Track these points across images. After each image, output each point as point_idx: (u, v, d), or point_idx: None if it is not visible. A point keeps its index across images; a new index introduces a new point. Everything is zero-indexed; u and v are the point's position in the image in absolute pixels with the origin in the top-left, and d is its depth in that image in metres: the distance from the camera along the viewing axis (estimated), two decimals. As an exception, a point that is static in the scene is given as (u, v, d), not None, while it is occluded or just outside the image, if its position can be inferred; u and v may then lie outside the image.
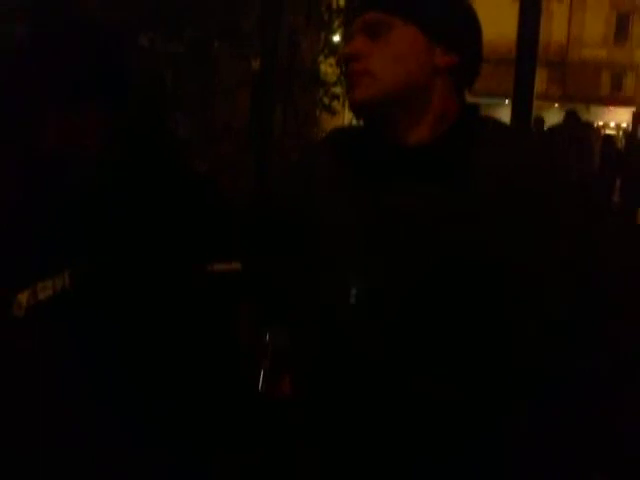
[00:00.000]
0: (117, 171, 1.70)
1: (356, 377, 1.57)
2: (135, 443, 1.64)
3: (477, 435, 1.55)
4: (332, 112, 9.80)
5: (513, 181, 1.54)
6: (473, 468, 1.55)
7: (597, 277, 1.55)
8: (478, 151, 1.58)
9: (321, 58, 10.06)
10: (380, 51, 1.62)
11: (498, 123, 1.74)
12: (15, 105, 1.59)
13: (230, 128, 7.39)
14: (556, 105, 31.01)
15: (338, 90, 9.76)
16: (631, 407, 1.53)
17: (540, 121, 14.09)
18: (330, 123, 10.75)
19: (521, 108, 5.57)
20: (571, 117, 12.37)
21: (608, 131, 28.18)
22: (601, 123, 32.00)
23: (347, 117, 13.04)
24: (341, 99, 9.80)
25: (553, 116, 17.05)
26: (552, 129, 13.07)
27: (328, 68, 10.26)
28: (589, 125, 13.88)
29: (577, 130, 11.97)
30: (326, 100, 9.66)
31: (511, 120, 5.67)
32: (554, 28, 37.09)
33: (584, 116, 14.51)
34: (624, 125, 35.39)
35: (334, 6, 9.70)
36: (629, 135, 24.19)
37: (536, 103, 5.60)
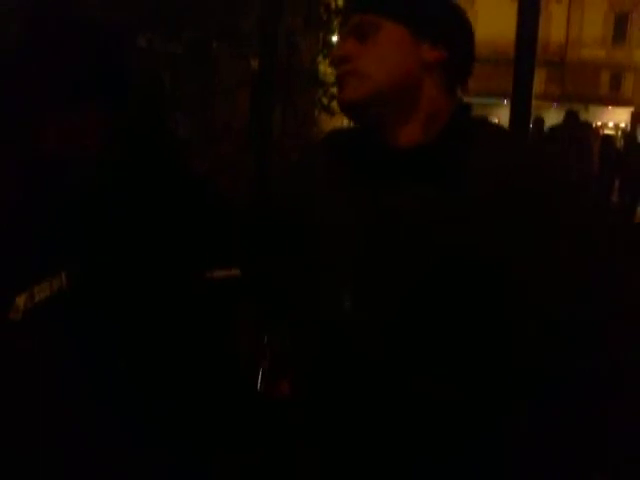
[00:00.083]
0: (117, 171, 1.70)
1: (356, 377, 1.57)
2: (135, 443, 1.64)
3: (477, 435, 1.55)
4: (331, 112, 9.81)
5: (509, 182, 1.54)
6: (473, 468, 1.55)
7: (597, 277, 1.55)
8: (472, 152, 1.58)
9: (320, 58, 10.07)
10: (368, 52, 1.63)
11: (491, 124, 1.74)
12: (15, 105, 1.59)
13: (230, 128, 7.40)
14: (555, 105, 31.02)
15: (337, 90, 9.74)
16: (631, 407, 1.53)
17: (540, 121, 14.09)
18: (329, 123, 10.75)
19: (520, 108, 5.58)
20: (571, 117, 12.36)
21: (607, 131, 28.19)
22: (600, 123, 32.00)
23: (346, 117, 13.02)
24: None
25: (552, 116, 17.06)
26: (552, 129, 13.07)
27: (327, 68, 10.26)
28: (588, 125, 13.87)
29: (576, 130, 11.97)
30: (325, 100, 9.67)
31: (510, 120, 5.67)
32: (553, 28, 37.13)
33: (583, 116, 14.49)
34: (623, 125, 35.40)
35: (333, 6, 9.71)
36: (628, 135, 24.18)
37: (535, 103, 5.60)
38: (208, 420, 1.70)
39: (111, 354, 1.66)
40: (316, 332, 1.62)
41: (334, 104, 9.77)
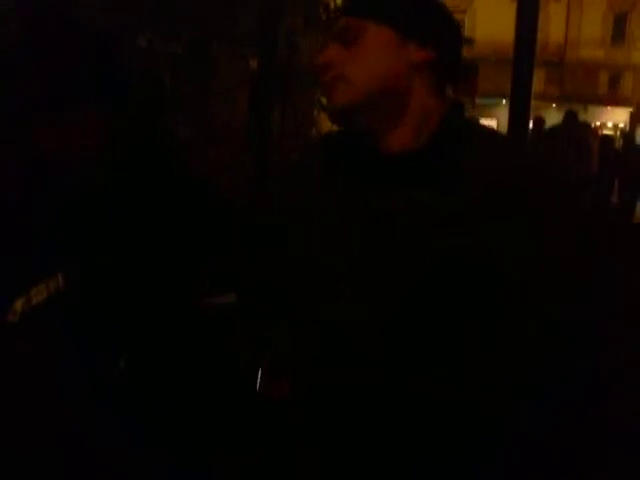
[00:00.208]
0: (117, 171, 1.70)
1: (356, 377, 1.57)
2: (135, 443, 1.64)
3: (477, 435, 1.55)
4: (330, 112, 9.78)
5: (504, 183, 1.53)
6: (473, 468, 1.55)
7: (596, 277, 1.55)
8: (465, 154, 1.57)
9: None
10: (354, 56, 1.60)
11: (483, 127, 1.72)
12: (15, 105, 1.59)
13: (229, 128, 7.39)
14: (554, 105, 31.04)
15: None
16: (631, 407, 1.53)
17: (541, 121, 14.10)
18: (328, 123, 10.73)
19: (519, 108, 5.58)
20: (570, 117, 12.37)
21: (606, 131, 28.18)
22: (599, 123, 32.03)
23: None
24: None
25: (551, 116, 17.08)
26: (551, 129, 13.08)
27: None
28: (587, 125, 13.89)
29: (575, 131, 11.98)
30: (324, 100, 9.68)
31: (509, 120, 5.68)
32: (552, 28, 37.14)
33: (582, 116, 14.52)
34: (622, 125, 35.44)
35: (332, 6, 9.69)
36: (626, 135, 24.22)
37: (534, 103, 5.61)
38: (208, 420, 1.70)
39: (110, 354, 1.66)
40: (316, 332, 1.62)
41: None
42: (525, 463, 1.56)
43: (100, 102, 1.67)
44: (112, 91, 1.70)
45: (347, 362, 1.57)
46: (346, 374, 1.57)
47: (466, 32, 28.24)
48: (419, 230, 1.53)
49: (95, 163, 1.67)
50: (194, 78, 6.89)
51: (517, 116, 5.60)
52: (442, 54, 1.62)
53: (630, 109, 37.53)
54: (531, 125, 13.81)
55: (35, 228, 1.64)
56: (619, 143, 20.05)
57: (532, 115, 6.04)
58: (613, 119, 36.43)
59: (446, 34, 1.66)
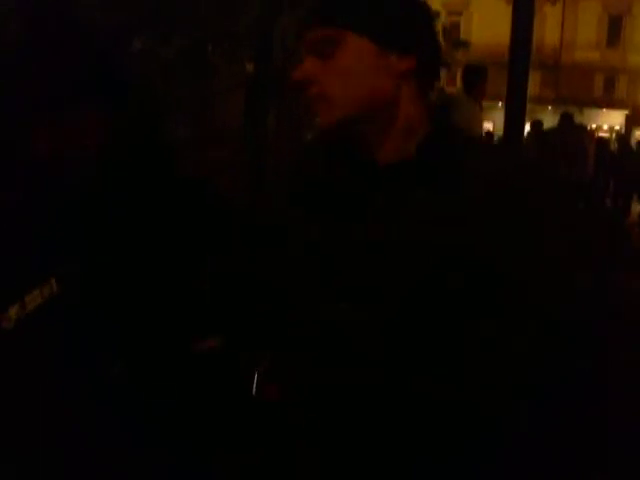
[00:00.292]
0: (117, 171, 1.70)
1: (356, 377, 1.57)
2: (135, 443, 1.64)
3: (477, 435, 1.55)
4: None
5: (502, 184, 1.52)
6: (473, 468, 1.55)
7: (596, 277, 1.56)
8: (463, 156, 1.56)
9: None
10: (333, 71, 1.54)
11: (470, 137, 1.69)
12: (15, 105, 1.59)
13: (225, 131, 7.39)
14: (549, 108, 31.09)
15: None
16: (631, 407, 1.54)
17: (539, 123, 14.14)
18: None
19: (514, 110, 5.60)
20: (566, 120, 12.39)
21: (601, 134, 28.26)
22: (594, 126, 32.09)
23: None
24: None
25: (547, 119, 17.11)
26: (546, 132, 13.12)
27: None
28: (583, 128, 13.92)
29: (571, 133, 12.01)
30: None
31: (505, 122, 5.70)
32: (547, 31, 37.21)
33: (577, 119, 14.54)
34: (617, 128, 35.53)
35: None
36: (621, 138, 24.29)
37: (530, 106, 5.63)
38: (208, 420, 1.70)
39: (110, 354, 1.66)
40: (316, 332, 1.62)
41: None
42: (525, 463, 1.56)
43: (100, 102, 1.67)
44: (112, 91, 1.69)
45: (347, 362, 1.57)
46: (346, 374, 1.57)
47: (462, 35, 28.37)
48: (419, 230, 1.53)
49: (95, 163, 1.67)
50: (189, 81, 6.89)
51: (513, 118, 5.62)
52: (424, 59, 1.58)
53: (626, 111, 37.63)
54: (529, 128, 13.88)
55: (34, 229, 1.64)
56: (614, 146, 20.13)
57: (528, 118, 6.07)
58: (609, 121, 36.53)
59: (427, 36, 1.61)
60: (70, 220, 1.64)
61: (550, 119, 17.20)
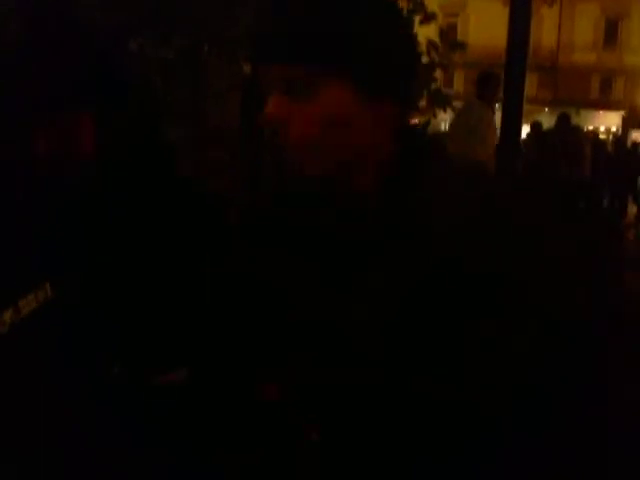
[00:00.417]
0: (117, 171, 1.70)
1: (356, 377, 1.57)
2: (135, 443, 1.64)
3: (477, 435, 1.55)
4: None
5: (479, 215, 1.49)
6: (473, 468, 1.55)
7: (596, 277, 1.56)
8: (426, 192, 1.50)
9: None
10: (311, 116, 1.38)
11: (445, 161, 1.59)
12: (15, 105, 1.59)
13: (221, 132, 7.39)
14: (546, 109, 31.12)
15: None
16: (631, 408, 1.54)
17: (538, 125, 14.17)
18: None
19: (511, 112, 5.62)
20: (563, 121, 12.42)
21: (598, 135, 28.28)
22: (591, 127, 32.15)
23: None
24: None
25: (544, 120, 17.13)
26: (544, 133, 13.15)
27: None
28: (580, 129, 13.96)
29: (569, 134, 12.04)
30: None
31: (502, 123, 5.71)
32: (544, 33, 37.28)
33: (574, 120, 14.58)
34: (614, 129, 35.60)
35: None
36: (618, 139, 24.33)
37: (526, 107, 5.65)
38: (208, 420, 1.70)
39: (110, 355, 1.66)
40: (316, 332, 1.62)
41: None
42: (525, 463, 1.57)
43: (100, 102, 1.67)
44: (112, 91, 1.69)
45: (347, 362, 1.57)
46: (346, 374, 1.57)
47: (459, 36, 28.33)
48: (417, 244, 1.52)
49: (95, 163, 1.67)
50: (186, 82, 6.90)
51: (510, 120, 5.63)
52: (405, 98, 1.47)
53: (622, 113, 37.72)
54: (528, 129, 13.91)
55: (34, 230, 1.64)
56: (611, 147, 20.18)
57: (525, 119, 6.08)
58: (605, 123, 36.61)
59: (410, 75, 1.47)
60: (70, 220, 1.64)
61: (547, 120, 17.21)
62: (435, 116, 9.52)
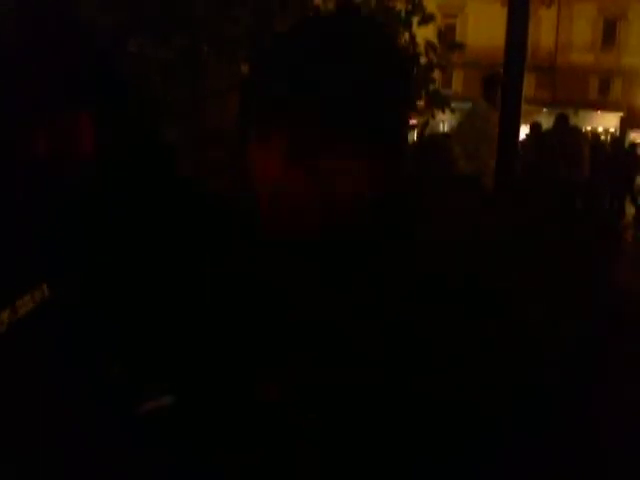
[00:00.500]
0: (117, 171, 1.70)
1: (356, 377, 1.57)
2: (135, 443, 1.64)
3: (477, 435, 1.55)
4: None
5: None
6: (473, 468, 1.55)
7: (596, 277, 1.56)
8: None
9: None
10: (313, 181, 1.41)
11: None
12: (15, 105, 1.59)
13: (220, 132, 7.39)
14: (544, 110, 31.14)
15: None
16: (631, 408, 1.54)
17: (538, 126, 14.18)
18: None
19: (510, 112, 5.62)
20: (561, 121, 12.43)
21: (590, 135, 28.31)
22: (589, 128, 32.17)
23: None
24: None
25: (542, 121, 17.14)
26: (544, 133, 13.16)
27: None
28: (578, 130, 13.97)
29: (568, 134, 12.06)
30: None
31: (500, 124, 5.71)
32: (542, 33, 37.31)
33: (573, 121, 14.60)
34: (612, 130, 35.63)
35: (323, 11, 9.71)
36: (616, 140, 24.36)
37: (525, 108, 5.65)
38: (207, 420, 1.70)
39: (110, 355, 1.66)
40: (315, 332, 1.62)
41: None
42: (525, 463, 1.57)
43: (100, 102, 1.67)
44: (112, 91, 1.69)
45: (347, 362, 1.57)
46: (346, 374, 1.57)
47: (457, 37, 28.36)
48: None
49: (95, 163, 1.67)
50: (185, 82, 6.90)
51: (508, 120, 5.63)
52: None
53: (620, 113, 37.75)
54: (528, 130, 13.91)
55: (33, 230, 1.64)
56: (609, 147, 20.20)
57: (523, 120, 6.10)
58: (603, 123, 36.63)
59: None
60: (70, 220, 1.64)
61: (545, 121, 17.24)
62: (434, 117, 9.54)
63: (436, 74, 9.56)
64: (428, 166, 2.91)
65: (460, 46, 10.31)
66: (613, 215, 16.34)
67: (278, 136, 1.37)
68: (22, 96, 1.58)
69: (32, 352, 1.62)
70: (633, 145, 20.54)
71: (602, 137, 29.18)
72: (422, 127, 10.13)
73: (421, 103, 9.77)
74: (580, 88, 38.51)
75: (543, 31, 37.16)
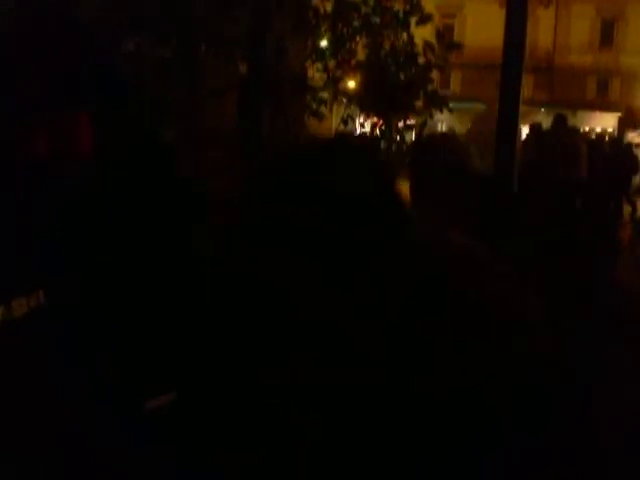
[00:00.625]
0: (117, 171, 1.70)
1: (357, 377, 1.57)
2: (135, 443, 1.64)
3: (477, 435, 1.55)
4: (320, 117, 9.77)
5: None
6: (473, 468, 1.55)
7: (596, 279, 1.56)
8: None
9: (308, 63, 10.05)
10: None
11: None
12: (15, 105, 1.59)
13: (219, 132, 7.40)
14: (543, 110, 31.14)
15: (325, 95, 9.75)
16: (631, 407, 1.54)
17: (538, 126, 14.18)
18: (318, 127, 10.73)
19: (508, 113, 5.62)
20: (559, 122, 12.42)
21: (594, 136, 28.31)
22: (587, 128, 32.17)
23: (335, 122, 13.04)
24: (328, 104, 9.80)
25: (540, 121, 17.15)
26: (543, 134, 13.16)
27: (315, 73, 10.24)
28: (576, 130, 13.97)
29: (565, 135, 12.06)
30: (313, 105, 9.64)
31: (498, 124, 5.72)
32: (540, 34, 37.31)
33: (571, 121, 14.60)
34: (610, 130, 35.63)
35: (322, 11, 9.70)
36: (614, 140, 24.37)
37: (523, 108, 5.65)
38: (208, 420, 1.70)
39: (110, 355, 1.66)
40: (317, 332, 1.62)
41: (323, 109, 9.76)
42: (525, 463, 1.57)
43: (100, 102, 1.67)
44: (112, 91, 1.69)
45: (348, 362, 1.57)
46: (347, 374, 1.57)
47: (455, 37, 28.36)
48: None
49: (95, 163, 1.67)
50: (183, 82, 6.90)
51: (506, 121, 5.64)
52: None
53: (618, 114, 37.76)
54: (527, 130, 13.91)
55: (33, 229, 1.63)
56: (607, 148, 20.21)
57: (521, 120, 6.10)
58: (602, 124, 36.62)
59: None
60: (69, 220, 1.64)
61: (543, 121, 17.24)
62: (432, 117, 9.54)
63: (434, 74, 9.56)
64: (430, 166, 2.90)
65: (458, 46, 10.32)
66: (612, 215, 16.35)
67: None
68: (22, 96, 1.58)
69: (32, 352, 1.62)
70: (629, 145, 20.56)
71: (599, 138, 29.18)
72: (420, 127, 10.14)
73: (419, 103, 9.78)
74: (578, 88, 38.51)
75: (541, 31, 37.16)
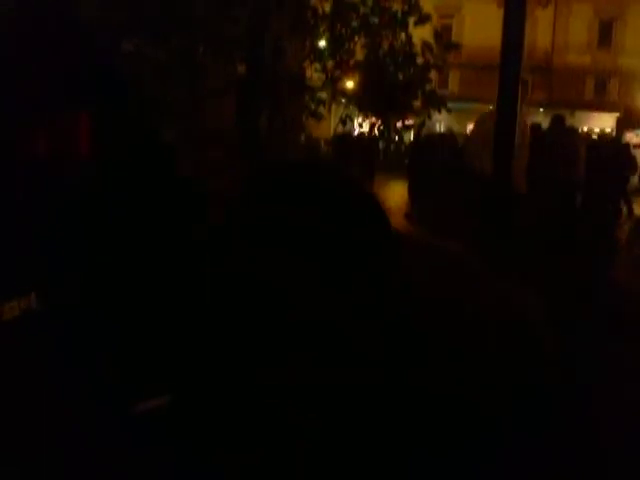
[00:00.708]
0: (117, 171, 1.70)
1: (356, 377, 1.57)
2: (135, 443, 1.64)
3: (477, 435, 1.56)
4: (318, 117, 9.78)
5: None
6: (473, 467, 1.55)
7: (596, 279, 1.56)
8: None
9: (306, 63, 10.06)
10: None
11: None
12: (15, 105, 1.59)
13: (217, 133, 7.40)
14: (541, 110, 31.13)
15: (324, 95, 9.77)
16: (630, 407, 1.54)
17: (538, 126, 14.17)
18: (317, 128, 10.75)
19: (506, 113, 5.62)
20: (557, 122, 12.42)
21: (593, 136, 28.30)
22: (585, 128, 32.16)
23: (333, 122, 13.05)
24: (327, 104, 9.81)
25: (539, 121, 17.13)
26: (543, 134, 13.15)
27: (313, 73, 10.26)
28: (574, 130, 13.97)
29: (563, 135, 12.05)
30: (312, 105, 9.65)
31: (496, 125, 5.72)
32: (539, 34, 37.31)
33: (569, 121, 14.60)
34: (608, 130, 35.62)
35: (320, 12, 9.71)
36: (612, 140, 24.37)
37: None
38: (207, 420, 1.70)
39: (110, 355, 1.66)
40: (315, 332, 1.62)
41: (321, 109, 9.78)
42: (525, 463, 1.57)
43: (100, 102, 1.67)
44: (112, 91, 1.69)
45: (347, 362, 1.57)
46: (346, 374, 1.57)
47: (454, 38, 28.35)
48: None
49: (95, 163, 1.67)
50: (182, 83, 6.90)
51: (504, 121, 5.64)
52: None
53: (617, 114, 37.77)
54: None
55: (34, 229, 1.63)
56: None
57: (522, 120, 6.11)
58: (600, 124, 36.60)
59: None
60: (69, 220, 1.64)
61: (542, 122, 17.23)
62: (430, 117, 9.56)
63: (432, 74, 9.57)
64: (428, 166, 2.91)
65: (456, 46, 10.35)
66: (611, 214, 16.36)
67: None
68: (22, 96, 1.58)
69: (32, 352, 1.62)
70: (627, 145, 20.56)
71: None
72: (419, 127, 10.15)
73: (418, 103, 9.79)
74: (576, 89, 38.51)
75: (539, 32, 37.15)
